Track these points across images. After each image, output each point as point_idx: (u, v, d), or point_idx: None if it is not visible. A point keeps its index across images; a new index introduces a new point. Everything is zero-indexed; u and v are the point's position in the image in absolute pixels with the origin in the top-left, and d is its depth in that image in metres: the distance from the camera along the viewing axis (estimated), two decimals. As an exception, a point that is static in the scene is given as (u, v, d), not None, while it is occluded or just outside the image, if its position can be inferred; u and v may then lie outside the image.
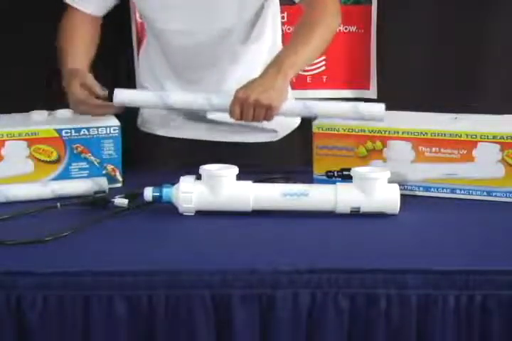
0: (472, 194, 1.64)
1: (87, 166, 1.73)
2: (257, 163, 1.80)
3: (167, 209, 1.55)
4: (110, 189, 1.67)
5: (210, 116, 1.98)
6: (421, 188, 1.66)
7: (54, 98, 1.86)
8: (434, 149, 1.64)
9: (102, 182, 1.67)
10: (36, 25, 2.11)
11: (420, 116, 1.75)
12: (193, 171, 1.57)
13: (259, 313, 1.29)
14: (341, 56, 2.62)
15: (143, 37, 2.25)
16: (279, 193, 1.54)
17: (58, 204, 1.58)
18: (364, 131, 1.67)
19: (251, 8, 1.89)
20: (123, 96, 1.72)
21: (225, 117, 1.98)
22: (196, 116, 1.99)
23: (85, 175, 1.72)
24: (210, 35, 1.88)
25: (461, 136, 1.62)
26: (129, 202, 1.58)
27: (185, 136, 2.02)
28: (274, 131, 2.04)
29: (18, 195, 1.62)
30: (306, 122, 2.06)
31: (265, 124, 2.00)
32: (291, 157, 2.05)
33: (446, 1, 2.56)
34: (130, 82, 2.23)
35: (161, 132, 2.04)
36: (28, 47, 2.32)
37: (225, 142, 2.01)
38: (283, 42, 2.06)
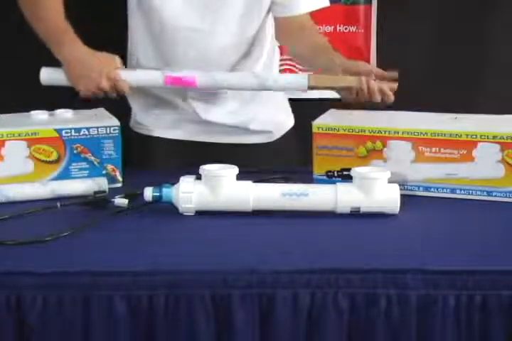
0: (472, 194, 1.64)
1: (87, 166, 1.73)
2: (252, 164, 1.79)
3: (167, 209, 1.55)
4: (110, 189, 1.67)
5: (205, 117, 1.98)
6: (421, 188, 1.66)
7: (54, 98, 1.86)
8: (434, 149, 1.64)
9: (102, 182, 1.67)
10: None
11: (420, 116, 1.75)
12: (193, 171, 1.57)
13: (259, 313, 1.29)
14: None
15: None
16: (279, 193, 1.54)
17: (58, 204, 1.58)
18: (364, 131, 1.67)
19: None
20: (51, 75, 1.72)
21: (219, 118, 1.99)
22: (190, 116, 1.99)
23: (85, 175, 1.72)
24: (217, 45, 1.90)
25: (461, 136, 1.62)
26: (129, 202, 1.58)
27: (179, 137, 2.02)
28: (269, 132, 2.04)
29: (18, 195, 1.62)
30: (302, 122, 2.06)
31: (259, 126, 2.01)
32: (287, 157, 2.05)
33: (446, 0, 2.56)
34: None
35: (154, 133, 2.04)
36: (28, 46, 2.32)
37: (220, 143, 2.01)
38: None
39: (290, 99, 2.10)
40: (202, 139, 2.01)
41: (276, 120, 2.06)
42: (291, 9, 1.89)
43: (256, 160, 1.93)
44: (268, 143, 2.05)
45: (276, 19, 1.92)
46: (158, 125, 2.03)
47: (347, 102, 1.73)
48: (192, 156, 1.96)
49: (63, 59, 1.79)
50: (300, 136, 2.08)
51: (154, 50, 1.94)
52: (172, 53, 1.91)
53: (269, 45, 1.97)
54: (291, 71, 2.34)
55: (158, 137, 2.03)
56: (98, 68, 1.75)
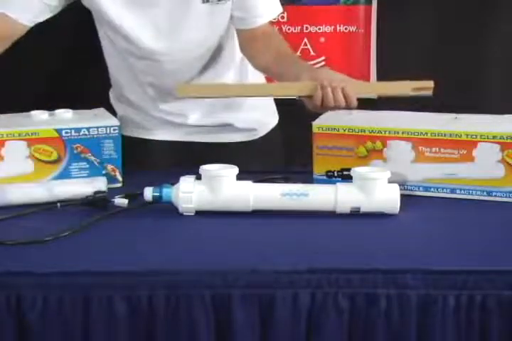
0: (472, 194, 1.64)
1: (87, 166, 1.73)
2: (237, 162, 1.78)
3: (167, 209, 1.55)
4: (110, 189, 1.67)
5: (182, 122, 1.98)
6: (421, 188, 1.66)
7: (54, 98, 1.86)
8: (434, 149, 1.64)
9: (102, 182, 1.67)
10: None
11: (420, 116, 1.75)
12: (192, 172, 1.57)
13: (259, 313, 1.29)
14: (341, 56, 2.62)
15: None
16: (279, 193, 1.54)
17: (58, 204, 1.58)
18: (364, 131, 1.67)
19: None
20: None
21: (196, 121, 1.98)
22: (172, 120, 1.99)
23: (85, 175, 1.72)
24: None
25: (461, 136, 1.62)
26: (129, 202, 1.58)
27: (162, 138, 2.02)
28: (254, 130, 2.04)
29: (18, 195, 1.61)
30: (286, 120, 2.07)
31: (243, 124, 2.01)
32: (271, 155, 2.05)
33: (446, 1, 2.56)
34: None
35: (137, 134, 2.03)
36: (28, 46, 2.32)
37: (204, 143, 2.01)
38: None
39: (290, 99, 2.10)
40: (186, 139, 2.01)
41: (261, 118, 2.06)
42: (250, 22, 1.87)
43: (240, 159, 1.92)
44: (251, 141, 2.05)
45: (237, 31, 1.91)
46: (142, 126, 2.02)
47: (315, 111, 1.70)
48: (177, 157, 1.96)
49: None
50: (280, 134, 2.09)
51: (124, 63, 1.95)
52: (136, 64, 1.92)
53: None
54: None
55: (142, 138, 2.03)
56: None
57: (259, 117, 2.06)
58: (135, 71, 1.93)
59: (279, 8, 1.94)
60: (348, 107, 1.66)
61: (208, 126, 2.00)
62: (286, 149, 2.11)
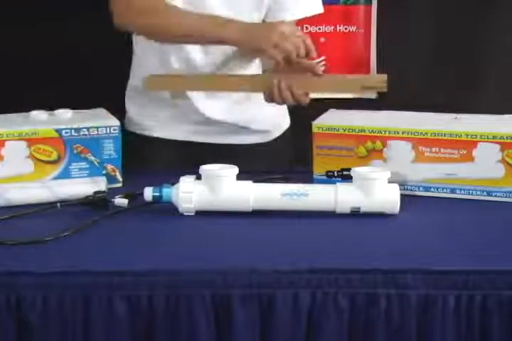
0: (472, 194, 1.64)
1: (87, 166, 1.73)
2: (250, 164, 1.78)
3: (167, 209, 1.55)
4: (110, 189, 1.67)
5: (204, 112, 1.97)
6: (421, 188, 1.66)
7: (54, 98, 1.86)
8: (434, 149, 1.64)
9: (102, 182, 1.67)
10: (37, 25, 2.11)
11: (420, 116, 1.75)
12: (193, 172, 1.57)
13: (259, 313, 1.29)
14: (341, 56, 2.62)
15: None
16: (279, 193, 1.54)
17: (58, 204, 1.58)
18: (364, 131, 1.67)
19: None
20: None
21: (218, 114, 1.98)
22: (188, 114, 1.98)
23: (85, 175, 1.72)
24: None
25: (461, 136, 1.62)
26: (129, 202, 1.58)
27: (174, 138, 2.01)
28: (268, 131, 2.04)
29: (18, 195, 1.61)
30: (297, 122, 2.07)
31: (259, 125, 2.01)
32: (284, 158, 2.05)
33: (445, 0, 2.57)
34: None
35: (150, 133, 2.03)
36: (29, 46, 2.32)
37: (216, 143, 2.01)
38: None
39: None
40: (199, 140, 2.01)
41: (274, 119, 2.06)
42: (275, 15, 1.88)
43: (253, 161, 1.93)
44: (265, 142, 2.05)
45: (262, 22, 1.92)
46: (155, 125, 2.02)
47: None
48: (187, 157, 1.96)
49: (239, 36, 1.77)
50: (299, 136, 2.08)
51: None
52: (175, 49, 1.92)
53: None
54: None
55: (154, 137, 2.02)
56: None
57: (275, 117, 2.05)
58: (167, 57, 1.93)
59: (314, 9, 1.94)
60: (297, 104, 1.75)
61: (224, 122, 1.98)
62: (302, 151, 2.11)
